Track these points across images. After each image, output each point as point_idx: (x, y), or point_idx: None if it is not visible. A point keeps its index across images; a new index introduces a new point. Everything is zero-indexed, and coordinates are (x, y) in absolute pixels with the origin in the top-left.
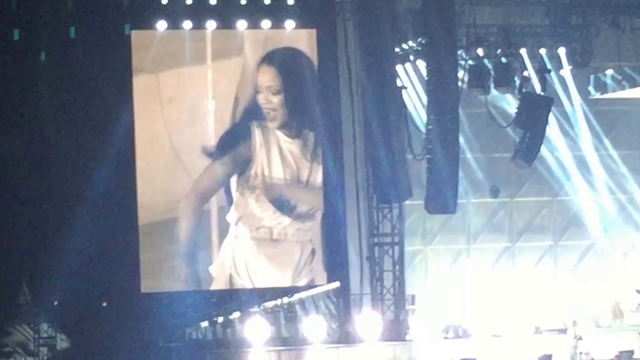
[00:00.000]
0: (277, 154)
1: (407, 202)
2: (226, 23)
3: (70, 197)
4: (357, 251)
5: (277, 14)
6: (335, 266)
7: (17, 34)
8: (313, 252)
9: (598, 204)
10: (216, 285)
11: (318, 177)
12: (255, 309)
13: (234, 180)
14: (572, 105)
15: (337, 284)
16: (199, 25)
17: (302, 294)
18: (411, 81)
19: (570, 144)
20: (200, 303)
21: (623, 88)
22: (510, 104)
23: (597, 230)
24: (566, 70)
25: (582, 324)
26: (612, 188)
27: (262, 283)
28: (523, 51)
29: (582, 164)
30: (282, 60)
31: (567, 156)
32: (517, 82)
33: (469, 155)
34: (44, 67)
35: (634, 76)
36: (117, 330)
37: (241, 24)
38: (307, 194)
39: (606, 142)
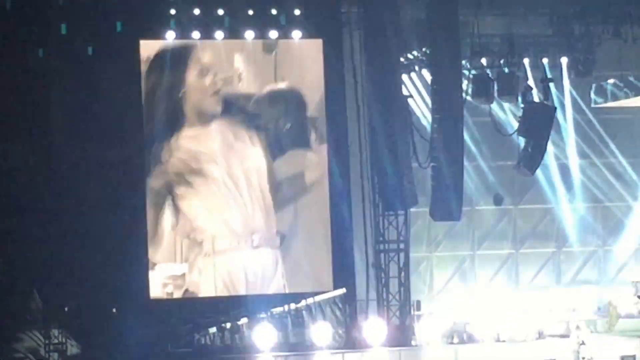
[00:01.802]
0: None
1: (412, 209)
2: (234, 33)
3: (80, 205)
4: (363, 258)
5: (285, 24)
6: (342, 273)
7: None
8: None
9: (600, 211)
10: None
11: None
12: (262, 315)
13: None
14: (573, 114)
15: (343, 290)
16: (207, 36)
17: (309, 300)
18: (418, 90)
19: (573, 152)
20: (208, 309)
21: (626, 96)
22: (507, 113)
23: (600, 236)
24: (568, 80)
25: (584, 328)
26: (616, 195)
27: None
28: (526, 61)
29: (584, 171)
30: None
31: (570, 164)
32: (521, 91)
33: (473, 163)
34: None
35: (636, 84)
36: (126, 336)
37: (249, 34)
38: None
39: (613, 148)
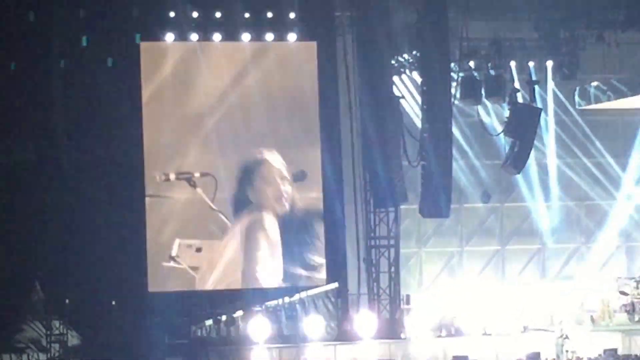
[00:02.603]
0: None
1: (402, 206)
2: (231, 36)
3: (82, 201)
4: (355, 253)
5: (280, 27)
6: (334, 267)
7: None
8: None
9: (585, 208)
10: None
11: None
12: (257, 308)
13: None
14: (561, 115)
15: (335, 285)
16: (205, 38)
17: (302, 294)
18: (410, 92)
19: (557, 152)
20: (204, 302)
21: (609, 98)
22: (492, 115)
23: (584, 233)
24: (553, 82)
25: (568, 323)
26: (600, 192)
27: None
28: (512, 64)
29: (572, 169)
30: None
31: (554, 163)
32: (507, 93)
33: (462, 162)
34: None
35: (619, 87)
36: (125, 328)
37: (245, 37)
38: None
39: (599, 147)
